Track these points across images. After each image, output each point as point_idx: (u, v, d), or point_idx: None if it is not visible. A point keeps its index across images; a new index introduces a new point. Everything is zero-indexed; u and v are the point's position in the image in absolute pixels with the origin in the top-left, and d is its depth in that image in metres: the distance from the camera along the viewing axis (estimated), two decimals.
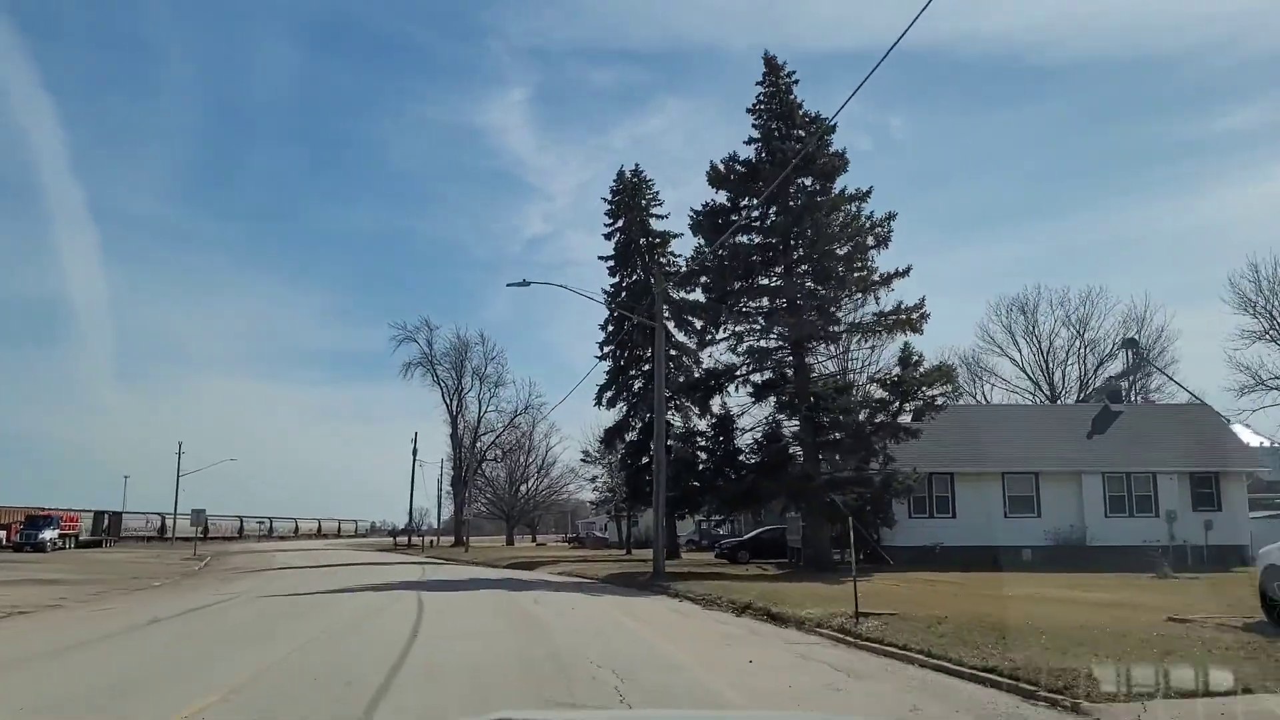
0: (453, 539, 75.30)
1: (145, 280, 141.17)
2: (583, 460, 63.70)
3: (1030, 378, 60.51)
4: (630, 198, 44.84)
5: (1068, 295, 61.05)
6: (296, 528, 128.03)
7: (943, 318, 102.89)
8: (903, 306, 29.25)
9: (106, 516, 74.02)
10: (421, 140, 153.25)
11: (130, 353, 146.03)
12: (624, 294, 44.59)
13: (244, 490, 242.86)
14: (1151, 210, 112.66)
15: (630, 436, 44.45)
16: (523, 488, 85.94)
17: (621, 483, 46.75)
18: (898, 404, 29.85)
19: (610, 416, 45.62)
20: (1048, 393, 59.16)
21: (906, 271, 29.64)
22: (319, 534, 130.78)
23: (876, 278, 29.85)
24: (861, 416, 30.18)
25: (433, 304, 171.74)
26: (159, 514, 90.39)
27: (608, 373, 44.74)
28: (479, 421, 76.08)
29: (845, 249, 30.47)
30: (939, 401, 29.96)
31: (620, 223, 45.18)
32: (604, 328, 45.28)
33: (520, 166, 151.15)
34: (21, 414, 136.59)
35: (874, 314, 30.14)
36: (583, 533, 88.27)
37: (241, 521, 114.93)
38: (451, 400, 74.85)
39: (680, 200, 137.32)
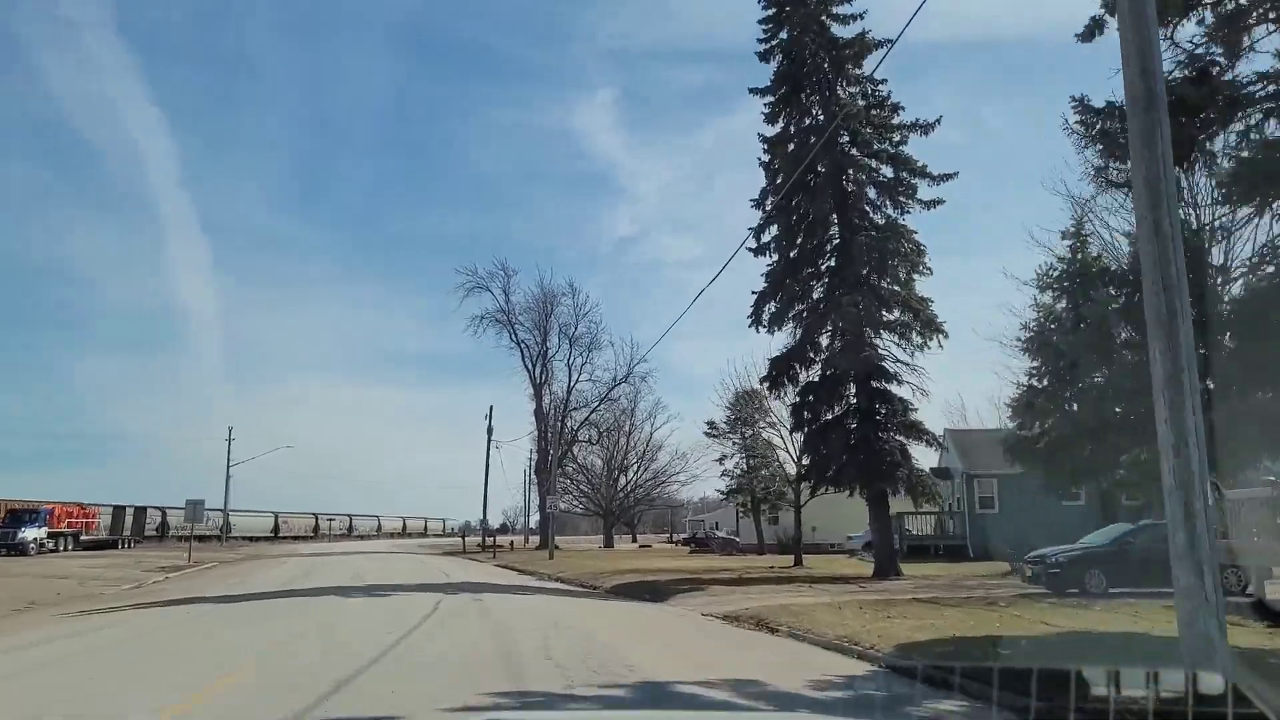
0: (539, 540, 58.68)
1: (250, 287, 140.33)
2: (707, 433, 45.81)
3: None
4: None
5: None
6: (379, 526, 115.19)
7: None
8: None
9: (129, 512, 60.00)
10: (510, 144, 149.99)
11: (237, 357, 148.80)
12: (792, 143, 26.64)
13: (338, 488, 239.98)
14: None
15: (808, 375, 26.37)
16: (622, 478, 68.72)
17: (800, 451, 28.51)
18: None
19: (764, 344, 27.48)
20: None
21: None
22: (403, 533, 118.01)
23: None
24: None
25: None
26: (209, 510, 76.88)
27: (770, 275, 26.78)
28: (569, 393, 59.11)
29: None
30: None
31: (784, 32, 27.16)
32: (760, 204, 27.34)
33: (608, 168, 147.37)
34: (139, 416, 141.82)
35: None
36: (698, 532, 70.87)
37: (316, 519, 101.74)
38: (534, 366, 58.16)
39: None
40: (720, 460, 45.47)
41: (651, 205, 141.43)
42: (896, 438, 24.77)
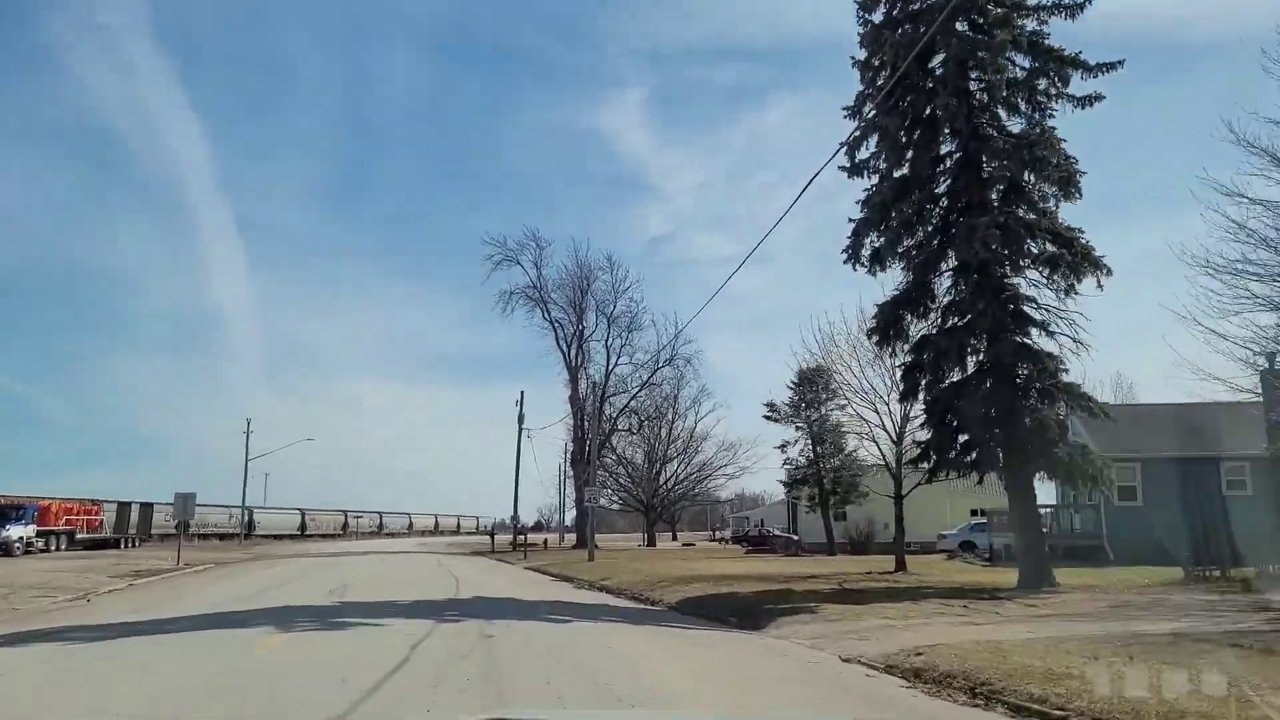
0: (575, 538, 53.04)
1: (287, 288, 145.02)
2: (767, 416, 39.75)
3: None
4: None
5: None
6: (410, 524, 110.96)
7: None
8: None
9: (134, 509, 55.28)
10: (543, 144, 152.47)
11: (275, 357, 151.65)
12: (900, 28, 20.51)
13: (374, 487, 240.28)
14: None
15: (923, 326, 20.21)
16: (664, 471, 62.72)
17: (918, 423, 22.24)
18: None
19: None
20: None
21: None
22: (435, 530, 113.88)
23: None
24: None
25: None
26: (231, 508, 72.43)
27: (871, 201, 20.65)
28: (607, 377, 53.33)
29: None
30: None
31: None
32: (854, 111, 21.22)
33: (640, 167, 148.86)
34: (179, 416, 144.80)
35: None
36: (748, 529, 64.79)
37: (345, 517, 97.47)
38: (569, 348, 52.39)
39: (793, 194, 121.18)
40: (782, 448, 39.46)
41: (684, 204, 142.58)
42: (1048, 404, 18.54)
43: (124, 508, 53.73)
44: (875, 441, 23.63)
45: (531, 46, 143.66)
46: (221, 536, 70.87)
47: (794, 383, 38.81)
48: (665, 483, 62.68)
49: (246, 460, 68.84)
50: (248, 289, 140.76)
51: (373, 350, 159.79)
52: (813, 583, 19.94)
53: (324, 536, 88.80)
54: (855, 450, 37.98)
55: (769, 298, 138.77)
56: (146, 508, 56.97)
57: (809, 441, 38.53)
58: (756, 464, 62.31)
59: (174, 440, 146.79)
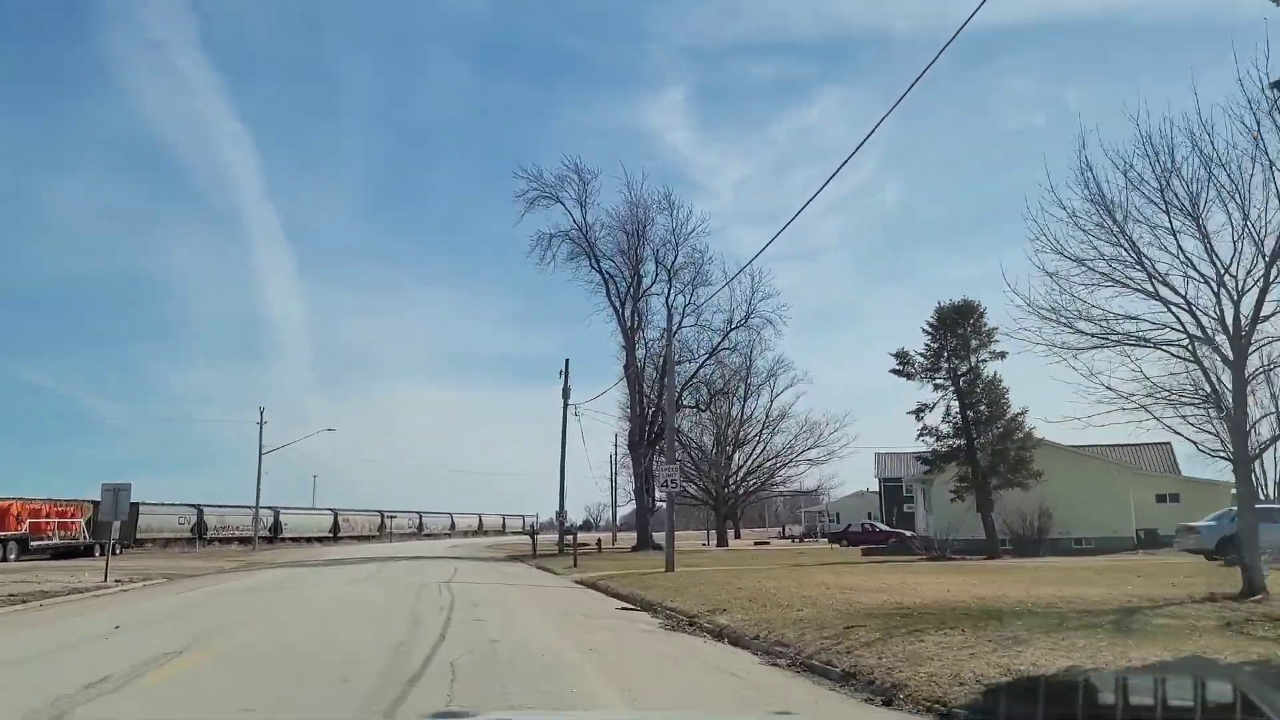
0: (635, 538, 42.94)
1: (336, 295, 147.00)
2: (896, 370, 29.04)
3: None
4: None
5: None
6: (452, 524, 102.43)
7: None
8: None
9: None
10: (586, 145, 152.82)
11: (324, 361, 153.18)
12: None
13: (423, 489, 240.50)
14: None
15: None
16: (736, 455, 52.33)
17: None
18: None
19: None
20: None
21: None
22: (479, 530, 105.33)
23: None
24: None
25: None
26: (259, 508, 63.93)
27: None
28: (668, 341, 42.95)
29: None
30: None
31: None
32: None
33: (683, 165, 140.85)
34: (233, 422, 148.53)
35: None
36: (814, 525, 54.29)
37: (381, 517, 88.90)
38: (623, 306, 42.17)
39: (837, 191, 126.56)
40: (918, 413, 28.67)
41: (726, 201, 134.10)
42: None
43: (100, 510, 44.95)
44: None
45: (572, 48, 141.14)
46: (243, 540, 62.64)
47: (931, 324, 28.14)
48: (737, 470, 52.33)
49: (260, 454, 60.29)
50: (298, 295, 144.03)
51: (420, 352, 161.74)
52: (1143, 620, 9.51)
53: (359, 539, 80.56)
54: (1021, 414, 27.21)
55: (817, 296, 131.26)
56: (132, 509, 47.99)
57: (954, 401, 27.85)
58: (847, 446, 51.20)
59: (228, 445, 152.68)
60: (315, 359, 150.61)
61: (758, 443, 52.27)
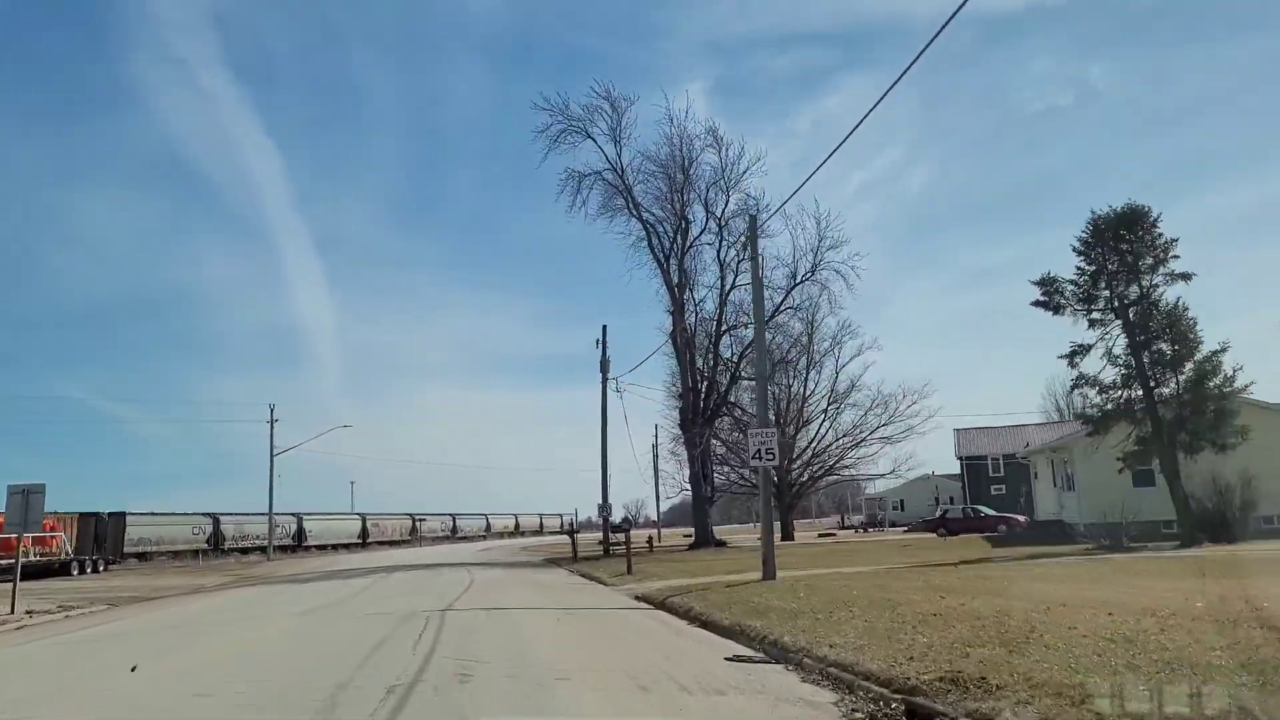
0: (693, 535, 36.08)
1: (366, 302, 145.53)
2: (1039, 302, 21.82)
3: None
4: None
5: None
6: (487, 525, 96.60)
7: None
8: None
9: (96, 523, 40.61)
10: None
11: (356, 368, 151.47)
12: None
13: (458, 492, 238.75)
14: None
15: None
16: (799, 435, 45.26)
17: None
18: None
19: None
20: None
21: None
22: (515, 530, 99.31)
23: None
24: None
25: (635, 297, 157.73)
26: (278, 515, 58.33)
27: None
28: (722, 301, 36.12)
29: None
30: None
31: None
32: None
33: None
34: (262, 436, 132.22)
35: None
36: (876, 513, 47.09)
37: (413, 520, 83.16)
38: (666, 261, 35.35)
39: (864, 179, 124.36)
40: (1071, 357, 21.45)
41: (749, 190, 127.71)
42: None
43: (86, 521, 39.27)
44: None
45: (590, 49, 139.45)
46: (264, 549, 57.23)
47: (1085, 240, 20.99)
48: (803, 452, 45.28)
49: (271, 455, 54.66)
50: (328, 303, 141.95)
51: (451, 355, 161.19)
52: None
53: (390, 543, 74.87)
54: (1219, 352, 19.92)
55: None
56: (117, 520, 42.28)
57: (1121, 338, 20.70)
58: (930, 419, 43.48)
59: (260, 454, 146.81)
60: (346, 365, 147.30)
61: (823, 420, 45.17)
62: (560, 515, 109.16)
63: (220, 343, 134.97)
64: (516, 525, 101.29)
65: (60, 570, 35.46)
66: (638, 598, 15.58)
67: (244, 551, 58.12)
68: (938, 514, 39.93)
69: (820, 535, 53.84)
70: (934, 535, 34.43)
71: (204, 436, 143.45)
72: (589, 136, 34.39)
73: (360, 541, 72.70)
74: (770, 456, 15.04)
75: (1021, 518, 34.92)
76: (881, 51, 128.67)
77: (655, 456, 56.07)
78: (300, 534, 66.01)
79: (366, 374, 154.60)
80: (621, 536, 24.58)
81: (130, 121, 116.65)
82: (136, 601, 22.14)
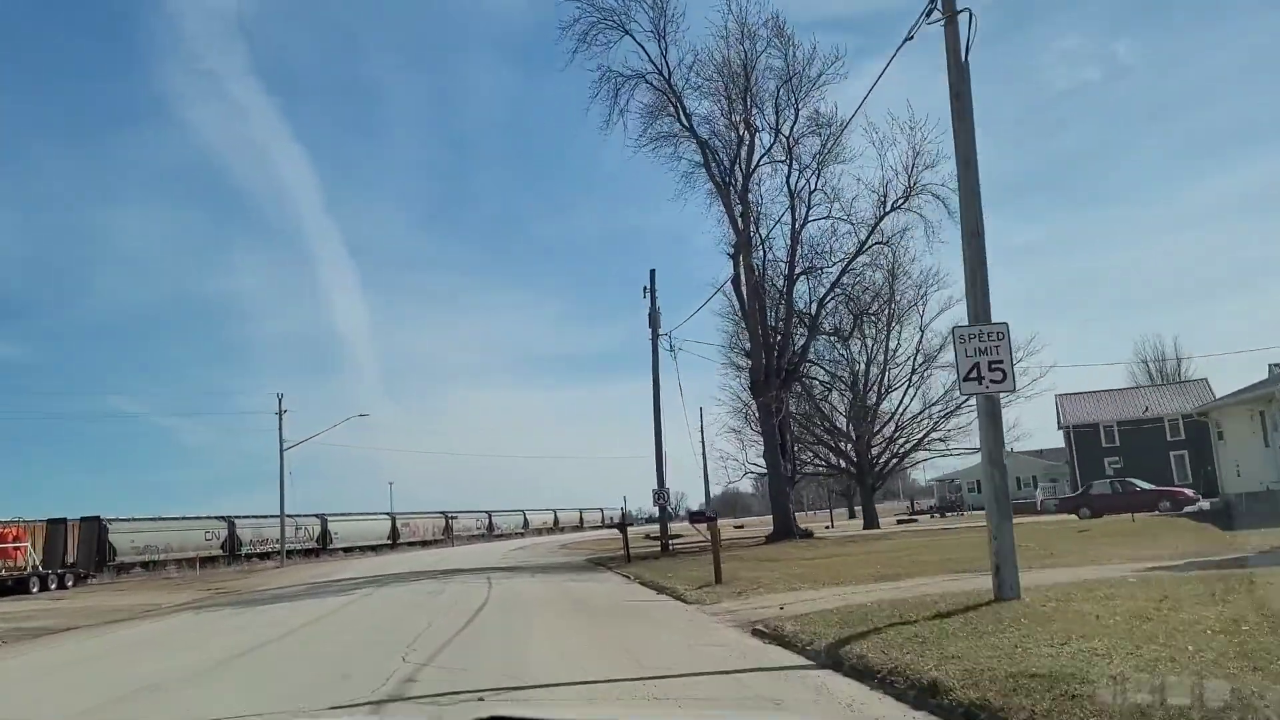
0: (771, 526, 29.04)
1: (399, 305, 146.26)
2: None
3: None
4: None
5: None
6: (525, 522, 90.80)
7: None
8: None
9: (69, 529, 34.55)
10: (632, 138, 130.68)
11: (392, 369, 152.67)
12: None
13: (495, 491, 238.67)
14: None
15: None
16: (879, 408, 38.05)
17: None
18: None
19: None
20: None
21: None
22: (555, 527, 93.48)
23: None
24: None
25: (665, 289, 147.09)
26: (300, 518, 52.64)
27: None
28: (794, 240, 29.10)
29: None
30: None
31: None
32: None
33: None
34: (306, 436, 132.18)
35: None
36: (949, 496, 40.24)
37: (446, 519, 77.30)
38: (726, 188, 28.33)
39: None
40: None
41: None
42: None
43: (56, 529, 33.39)
44: None
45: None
46: (288, 553, 51.65)
47: None
48: (886, 423, 38.00)
49: (281, 449, 48.85)
50: (362, 307, 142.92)
51: (485, 355, 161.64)
52: None
53: (421, 544, 69.08)
54: None
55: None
56: (90, 526, 36.05)
57: None
58: (1036, 382, 35.63)
59: (305, 460, 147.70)
60: (382, 368, 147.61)
61: (907, 386, 37.87)
62: (601, 509, 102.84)
63: (257, 349, 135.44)
64: (556, 521, 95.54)
65: (18, 587, 29.65)
66: (761, 634, 8.77)
67: (262, 557, 52.55)
68: (1078, 491, 32.40)
69: (899, 521, 46.73)
70: (1074, 516, 27.15)
71: (245, 444, 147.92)
72: (626, 32, 27.40)
73: (390, 543, 67.14)
74: (998, 376, 8.16)
75: (1189, 491, 27.60)
76: (900, 37, 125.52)
77: (703, 441, 49.30)
78: (325, 536, 60.51)
79: (402, 376, 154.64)
80: (703, 527, 17.73)
81: (163, 135, 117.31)
82: (68, 631, 15.97)
